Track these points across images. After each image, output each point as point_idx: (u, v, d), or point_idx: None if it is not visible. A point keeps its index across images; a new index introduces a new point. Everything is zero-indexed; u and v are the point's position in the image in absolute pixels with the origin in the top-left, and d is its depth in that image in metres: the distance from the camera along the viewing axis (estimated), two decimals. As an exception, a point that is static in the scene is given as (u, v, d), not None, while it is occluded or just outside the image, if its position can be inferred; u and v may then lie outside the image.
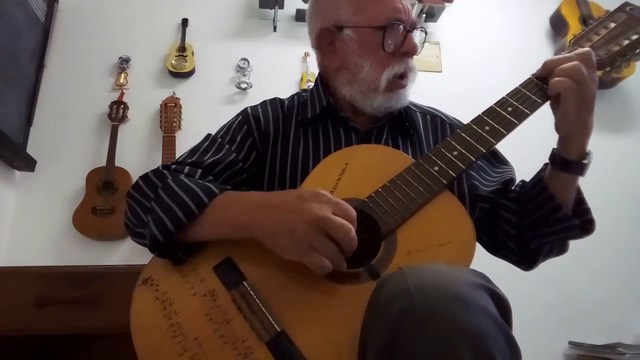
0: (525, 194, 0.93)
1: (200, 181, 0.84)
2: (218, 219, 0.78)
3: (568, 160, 0.85)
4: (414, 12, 2.60)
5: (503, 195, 0.97)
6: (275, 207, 0.73)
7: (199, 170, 0.91)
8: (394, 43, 0.96)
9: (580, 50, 0.85)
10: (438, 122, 1.10)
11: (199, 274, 0.76)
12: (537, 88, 0.87)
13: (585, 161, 0.85)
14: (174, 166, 0.91)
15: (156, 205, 0.81)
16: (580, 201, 0.90)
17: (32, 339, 1.38)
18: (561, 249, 0.96)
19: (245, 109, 1.08)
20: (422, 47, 1.02)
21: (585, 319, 2.25)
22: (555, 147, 0.88)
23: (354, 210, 0.71)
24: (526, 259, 0.96)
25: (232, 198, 0.81)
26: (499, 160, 1.07)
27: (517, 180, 1.03)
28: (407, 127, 1.04)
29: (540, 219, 0.89)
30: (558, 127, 0.86)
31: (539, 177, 0.91)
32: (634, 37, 0.90)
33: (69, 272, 1.43)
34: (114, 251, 2.12)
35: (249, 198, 0.79)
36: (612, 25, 0.93)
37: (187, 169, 0.91)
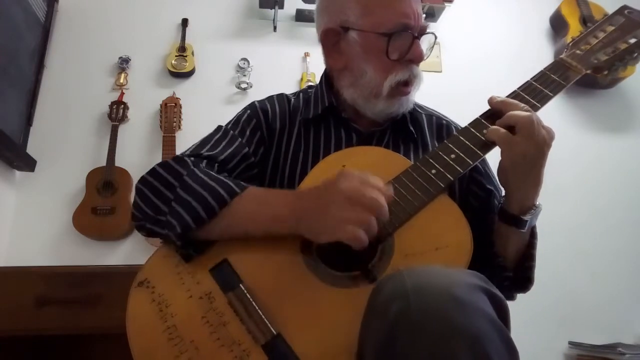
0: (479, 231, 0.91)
1: (224, 176, 0.85)
2: (255, 212, 0.78)
3: (507, 212, 0.83)
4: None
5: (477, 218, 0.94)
6: (308, 195, 0.77)
7: (216, 164, 0.91)
8: (399, 50, 0.92)
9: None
10: (444, 125, 1.08)
11: (196, 276, 0.77)
12: (537, 91, 0.86)
13: (525, 217, 0.82)
14: (192, 158, 0.89)
15: (185, 194, 0.80)
16: (527, 256, 0.87)
17: (32, 339, 1.38)
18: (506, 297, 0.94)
19: (253, 103, 1.07)
20: (431, 51, 0.99)
21: (585, 319, 2.25)
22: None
23: (380, 180, 0.73)
24: None
25: (264, 193, 0.82)
26: (488, 173, 1.03)
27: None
28: (410, 131, 1.02)
29: (481, 260, 0.86)
30: (498, 176, 0.84)
31: (492, 218, 0.90)
32: (632, 40, 0.89)
33: (69, 272, 1.43)
34: (114, 251, 2.13)
35: (280, 192, 0.81)
36: (611, 28, 0.92)
37: (204, 162, 0.89)
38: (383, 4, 0.93)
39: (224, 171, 0.91)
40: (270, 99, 1.09)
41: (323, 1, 1.02)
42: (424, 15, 2.68)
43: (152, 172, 0.87)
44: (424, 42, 0.97)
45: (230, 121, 1.04)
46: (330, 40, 1.00)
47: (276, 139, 1.02)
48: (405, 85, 0.96)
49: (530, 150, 0.77)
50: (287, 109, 1.06)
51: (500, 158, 0.82)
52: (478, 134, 0.83)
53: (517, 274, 0.88)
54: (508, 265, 0.87)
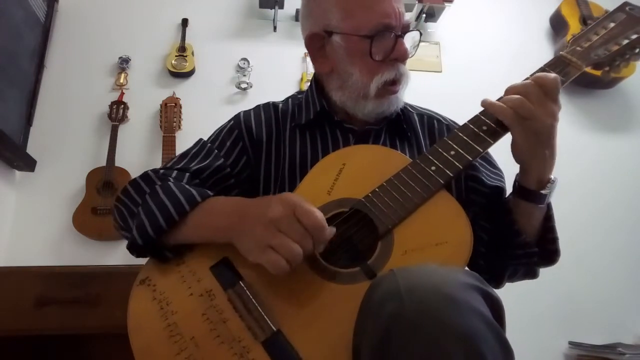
0: (494, 214, 0.92)
1: (186, 186, 0.85)
2: (200, 224, 0.80)
3: (526, 189, 0.84)
4: (413, 14, 2.59)
5: (488, 206, 0.96)
6: (245, 212, 0.75)
7: (187, 174, 0.93)
8: (383, 50, 0.92)
9: (541, 75, 0.80)
10: (435, 124, 1.09)
11: (196, 274, 0.77)
12: None
13: (544, 191, 0.82)
14: (162, 171, 0.92)
15: (141, 211, 0.83)
16: (548, 229, 0.88)
17: (32, 339, 1.38)
18: (528, 273, 0.94)
19: (238, 114, 1.08)
20: (416, 49, 0.99)
21: (585, 319, 2.25)
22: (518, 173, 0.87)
23: (319, 212, 0.70)
24: (492, 278, 0.95)
25: (213, 205, 0.82)
26: (491, 164, 1.05)
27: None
28: (404, 129, 1.03)
29: (503, 242, 0.88)
30: (512, 154, 0.84)
31: (507, 199, 0.90)
32: (634, 36, 0.89)
33: (69, 272, 1.43)
34: (114, 251, 2.13)
35: (228, 205, 0.81)
36: (612, 24, 0.92)
37: (175, 173, 0.92)
38: (363, 6, 0.92)
39: (195, 180, 0.94)
40: (256, 108, 1.09)
41: (306, 6, 1.02)
42: (424, 15, 2.66)
43: (124, 189, 0.91)
44: (409, 40, 0.97)
45: (212, 134, 1.06)
46: (315, 45, 1.00)
47: (265, 147, 1.02)
48: (392, 85, 0.96)
49: (543, 126, 0.77)
50: (274, 117, 1.06)
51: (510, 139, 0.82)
52: (477, 130, 0.83)
53: (543, 248, 0.88)
54: (532, 242, 0.87)
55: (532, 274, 0.94)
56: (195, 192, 0.83)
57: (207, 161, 0.97)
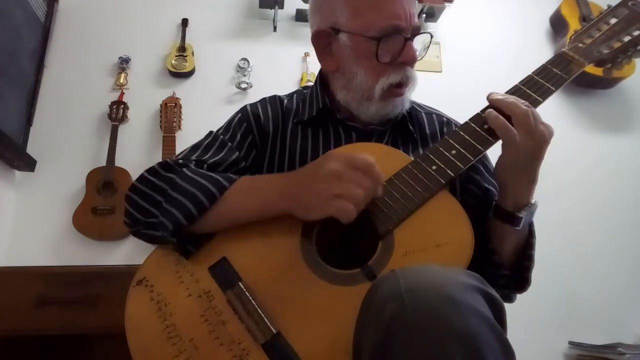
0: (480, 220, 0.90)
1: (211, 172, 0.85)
2: (246, 200, 0.79)
3: (502, 209, 0.82)
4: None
5: (479, 211, 0.94)
6: (294, 179, 0.78)
7: (205, 165, 0.91)
8: (391, 53, 0.90)
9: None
10: (444, 123, 1.07)
11: (194, 274, 0.76)
12: (539, 85, 0.84)
13: (519, 214, 0.80)
14: (181, 160, 0.89)
15: (175, 193, 0.80)
16: (525, 256, 0.86)
17: (32, 339, 1.38)
18: (502, 296, 0.92)
19: (245, 107, 1.07)
20: (426, 51, 0.97)
21: (585, 319, 2.25)
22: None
23: (368, 155, 0.74)
24: None
25: (250, 182, 0.82)
26: (489, 170, 1.01)
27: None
28: (410, 130, 1.01)
29: (478, 257, 0.86)
30: (497, 172, 0.82)
31: (489, 215, 0.89)
32: (636, 33, 0.88)
33: (69, 272, 1.43)
34: (114, 251, 2.13)
35: (267, 179, 0.82)
36: (614, 20, 0.91)
37: (193, 164, 0.89)
38: (372, 6, 0.89)
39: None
40: (262, 101, 1.08)
41: (315, 1, 1.00)
42: (424, 15, 2.66)
43: (140, 178, 0.87)
44: (418, 42, 0.94)
45: (222, 126, 1.04)
46: (322, 42, 0.98)
47: (270, 141, 1.01)
48: (398, 87, 0.94)
49: (529, 143, 0.76)
50: (280, 111, 1.05)
51: (500, 154, 0.81)
52: (479, 129, 0.81)
53: (514, 274, 0.87)
54: (505, 264, 0.85)
55: (505, 297, 0.91)
56: (228, 175, 0.83)
57: (222, 154, 0.95)
